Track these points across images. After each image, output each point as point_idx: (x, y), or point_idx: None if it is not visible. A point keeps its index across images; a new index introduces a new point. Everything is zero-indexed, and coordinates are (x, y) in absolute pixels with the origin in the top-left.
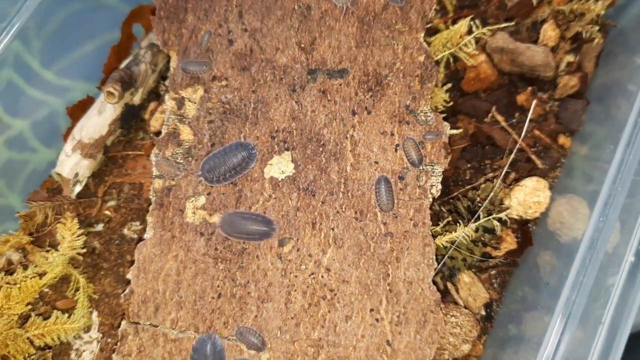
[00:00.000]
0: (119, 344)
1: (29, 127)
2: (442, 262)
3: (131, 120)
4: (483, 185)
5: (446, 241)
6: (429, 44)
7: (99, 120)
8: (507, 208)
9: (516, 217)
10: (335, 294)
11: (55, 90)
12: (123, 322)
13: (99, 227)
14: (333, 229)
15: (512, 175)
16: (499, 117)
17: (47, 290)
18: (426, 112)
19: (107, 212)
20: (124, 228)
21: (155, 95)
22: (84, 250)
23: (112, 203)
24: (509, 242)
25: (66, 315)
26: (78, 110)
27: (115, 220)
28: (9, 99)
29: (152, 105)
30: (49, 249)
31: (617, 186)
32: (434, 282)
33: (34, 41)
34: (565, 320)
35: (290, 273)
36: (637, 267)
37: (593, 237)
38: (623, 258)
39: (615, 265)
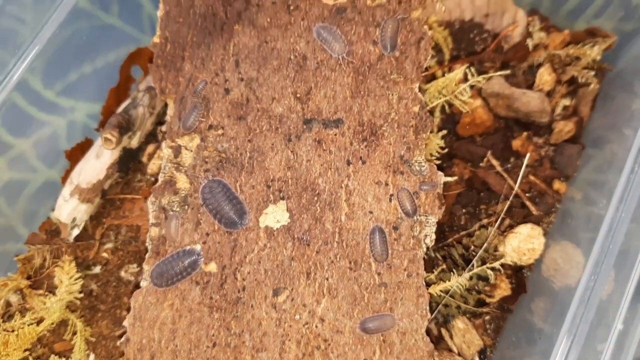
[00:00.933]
0: None
1: (31, 147)
2: (436, 311)
3: (129, 163)
4: (477, 232)
5: (440, 290)
6: (424, 91)
7: (96, 165)
8: (502, 256)
9: (510, 264)
10: (329, 344)
11: (57, 111)
12: None
13: (97, 269)
14: (327, 279)
15: (507, 222)
16: (495, 162)
17: (45, 333)
18: (420, 162)
19: (104, 255)
20: (121, 270)
21: (153, 138)
22: (81, 295)
23: (109, 245)
24: (503, 289)
25: (63, 358)
26: (77, 152)
27: (112, 263)
28: (11, 119)
29: (149, 147)
30: (46, 293)
31: (612, 234)
32: (428, 332)
33: (37, 61)
34: None
35: (285, 323)
36: (626, 334)
37: (587, 286)
38: (618, 308)
39: (608, 321)
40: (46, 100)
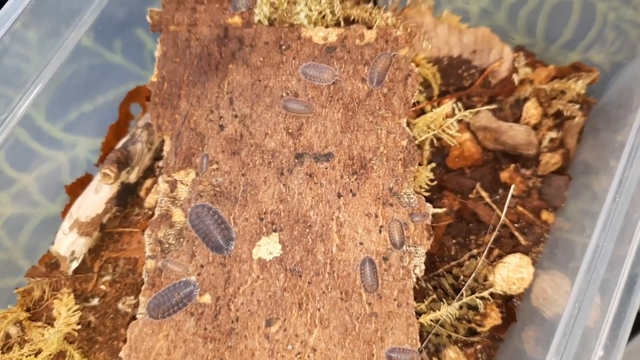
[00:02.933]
0: None
1: (33, 182)
2: (427, 340)
3: (127, 197)
4: (467, 262)
5: (430, 319)
6: (413, 125)
7: (95, 199)
8: (491, 285)
9: (500, 293)
10: None
11: (59, 146)
12: None
13: (95, 301)
14: (319, 309)
15: (496, 252)
16: (483, 194)
17: None
18: (409, 195)
19: (102, 287)
20: (119, 302)
21: (150, 172)
22: (79, 326)
23: (107, 278)
24: (494, 318)
25: None
26: (76, 187)
27: (110, 295)
28: (14, 154)
29: (147, 182)
30: (45, 325)
31: (595, 262)
32: None
33: (41, 97)
34: None
35: (277, 353)
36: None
37: (571, 314)
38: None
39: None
40: (49, 136)
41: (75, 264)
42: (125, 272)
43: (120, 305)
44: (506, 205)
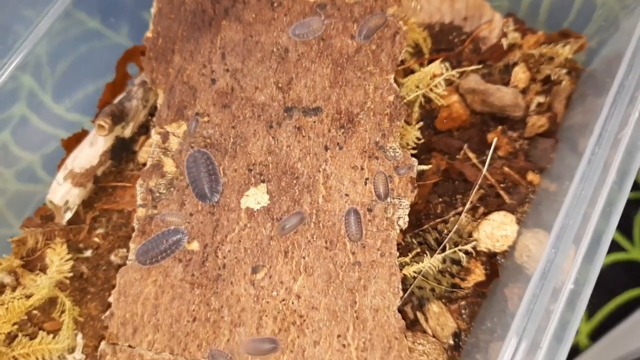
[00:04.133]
0: None
1: (38, 160)
2: (408, 291)
3: (122, 153)
4: (452, 219)
5: (413, 271)
6: (402, 85)
7: (90, 152)
8: (474, 240)
9: (485, 250)
10: (304, 320)
11: (65, 125)
12: (102, 343)
13: (88, 253)
14: (304, 258)
15: (481, 210)
16: (471, 155)
17: (35, 312)
18: (395, 149)
19: (95, 239)
20: (111, 254)
21: (145, 130)
22: (71, 274)
23: (100, 230)
24: (478, 274)
25: (51, 336)
26: (72, 142)
27: (103, 247)
28: (20, 132)
29: (142, 138)
30: (38, 272)
31: (569, 218)
32: (400, 310)
33: (47, 77)
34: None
35: (262, 299)
36: (577, 294)
37: (545, 266)
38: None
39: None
40: (55, 115)
41: (69, 215)
42: (118, 225)
43: (112, 257)
44: (488, 158)
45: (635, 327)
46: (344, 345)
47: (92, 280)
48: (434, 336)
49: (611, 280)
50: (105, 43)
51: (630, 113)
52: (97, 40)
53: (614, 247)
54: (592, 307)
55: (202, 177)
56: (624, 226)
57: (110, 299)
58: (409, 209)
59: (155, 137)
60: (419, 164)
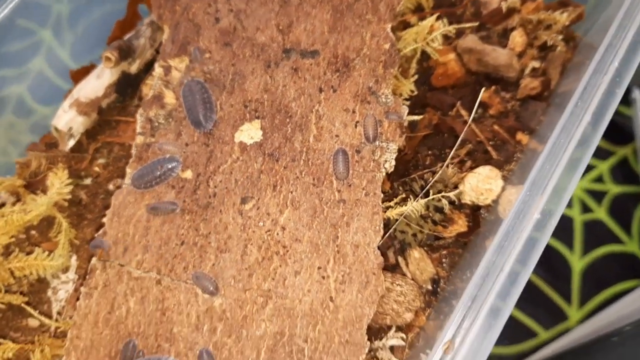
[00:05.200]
0: (87, 277)
1: (52, 114)
2: (390, 231)
3: (127, 88)
4: (440, 171)
5: (396, 214)
6: (399, 38)
7: (96, 83)
8: (459, 192)
9: (469, 203)
10: (287, 251)
11: None
12: (93, 259)
13: (87, 181)
14: (292, 192)
15: (469, 164)
16: (463, 112)
17: (33, 232)
18: (387, 95)
19: (96, 169)
20: (110, 184)
21: (151, 68)
22: (70, 197)
23: (101, 160)
24: (460, 225)
25: (47, 253)
26: (80, 74)
27: (102, 176)
28: (36, 86)
29: (148, 79)
30: (39, 193)
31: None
32: (382, 254)
33: (67, 35)
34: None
35: (249, 228)
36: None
37: (518, 210)
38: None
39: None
40: None
41: (72, 142)
42: (118, 156)
43: (111, 187)
44: (475, 107)
45: (626, 304)
46: (323, 277)
47: (90, 207)
48: (412, 279)
49: (605, 271)
50: (122, 7)
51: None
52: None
53: (611, 238)
54: (584, 296)
55: (198, 104)
56: (623, 219)
57: (104, 220)
58: (396, 153)
59: (158, 70)
60: (411, 115)
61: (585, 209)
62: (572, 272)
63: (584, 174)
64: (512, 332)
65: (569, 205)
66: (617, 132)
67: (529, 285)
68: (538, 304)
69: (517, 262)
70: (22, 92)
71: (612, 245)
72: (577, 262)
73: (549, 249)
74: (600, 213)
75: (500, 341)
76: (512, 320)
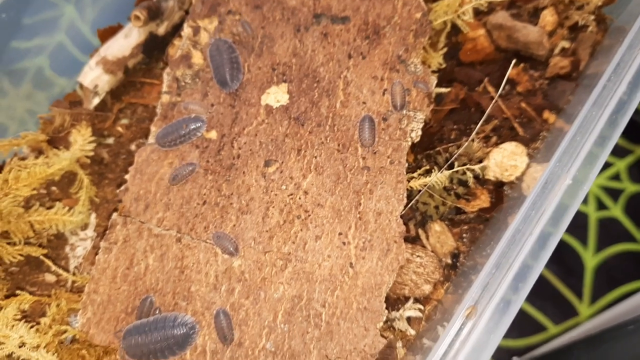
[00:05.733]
0: (107, 232)
1: (71, 87)
2: (413, 201)
3: (153, 50)
4: (466, 144)
5: (420, 185)
6: (430, 10)
7: (124, 43)
8: (483, 164)
9: (493, 179)
10: (309, 215)
11: None
12: (114, 214)
13: (110, 140)
14: (316, 157)
15: (494, 139)
16: (490, 88)
17: (54, 188)
18: (416, 64)
19: (119, 129)
20: (132, 144)
21: (179, 30)
22: (92, 154)
23: (125, 121)
24: (483, 200)
25: (67, 208)
26: (108, 33)
27: (125, 137)
28: (56, 58)
29: (175, 40)
30: (62, 149)
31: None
32: (403, 219)
33: (89, 10)
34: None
35: (271, 191)
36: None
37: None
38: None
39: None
40: (92, 46)
41: (96, 100)
42: (142, 118)
43: (133, 147)
44: (504, 82)
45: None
46: (344, 243)
47: (111, 167)
48: (432, 252)
49: (618, 269)
50: None
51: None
52: None
53: (625, 237)
54: (595, 293)
55: (225, 63)
56: (639, 218)
57: (127, 176)
58: (423, 123)
59: (187, 30)
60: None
61: (601, 206)
62: (585, 268)
63: (601, 171)
64: (521, 325)
65: (585, 201)
66: (636, 130)
67: (541, 279)
68: (549, 299)
69: (541, 235)
70: (42, 64)
71: (626, 244)
72: (591, 258)
73: (562, 244)
74: (616, 211)
75: (509, 334)
76: (521, 313)
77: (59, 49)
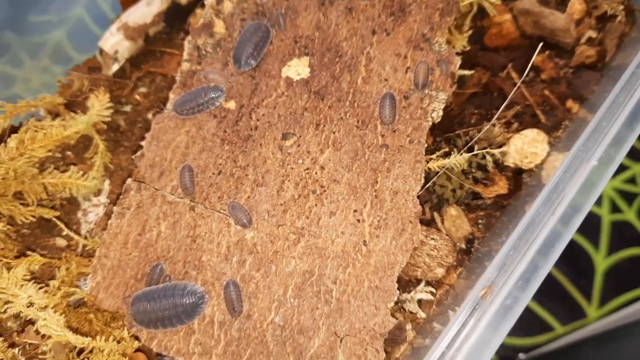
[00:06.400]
0: (121, 196)
1: None
2: (430, 182)
3: (175, 20)
4: (486, 128)
5: (438, 166)
6: None
7: (146, 10)
8: (505, 153)
9: (512, 166)
10: (324, 191)
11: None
12: (129, 179)
13: (127, 108)
14: (334, 133)
15: (515, 126)
16: (514, 74)
17: (69, 153)
18: (440, 44)
19: (137, 97)
20: (149, 113)
21: (202, 1)
22: (109, 119)
23: (143, 89)
24: (501, 187)
25: (81, 173)
26: (129, 0)
27: (143, 105)
28: (75, 33)
29: (197, 9)
30: (79, 113)
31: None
32: (420, 200)
33: None
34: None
35: (288, 165)
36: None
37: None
38: None
39: None
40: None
41: (116, 66)
42: (160, 87)
43: (149, 116)
44: (528, 67)
45: None
46: (358, 220)
47: (127, 135)
48: (447, 235)
49: (629, 274)
50: None
51: None
52: None
53: (638, 241)
54: (605, 296)
55: (250, 44)
56: None
57: (143, 143)
58: (445, 104)
59: None
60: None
61: (615, 208)
62: (596, 270)
63: (616, 174)
64: (528, 323)
65: (598, 203)
66: None
67: (550, 279)
68: (557, 299)
69: (555, 229)
70: (60, 39)
71: (638, 248)
72: (602, 261)
73: (574, 245)
74: (630, 214)
75: (515, 332)
76: (528, 312)
77: (77, 24)
